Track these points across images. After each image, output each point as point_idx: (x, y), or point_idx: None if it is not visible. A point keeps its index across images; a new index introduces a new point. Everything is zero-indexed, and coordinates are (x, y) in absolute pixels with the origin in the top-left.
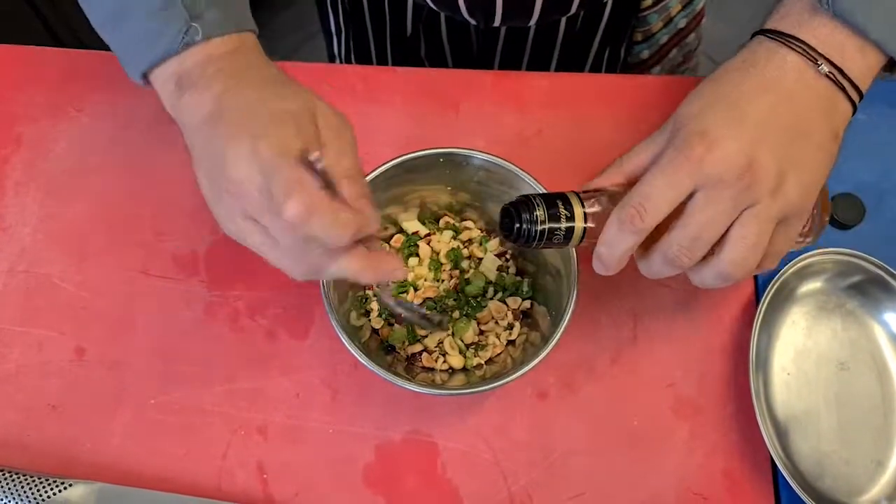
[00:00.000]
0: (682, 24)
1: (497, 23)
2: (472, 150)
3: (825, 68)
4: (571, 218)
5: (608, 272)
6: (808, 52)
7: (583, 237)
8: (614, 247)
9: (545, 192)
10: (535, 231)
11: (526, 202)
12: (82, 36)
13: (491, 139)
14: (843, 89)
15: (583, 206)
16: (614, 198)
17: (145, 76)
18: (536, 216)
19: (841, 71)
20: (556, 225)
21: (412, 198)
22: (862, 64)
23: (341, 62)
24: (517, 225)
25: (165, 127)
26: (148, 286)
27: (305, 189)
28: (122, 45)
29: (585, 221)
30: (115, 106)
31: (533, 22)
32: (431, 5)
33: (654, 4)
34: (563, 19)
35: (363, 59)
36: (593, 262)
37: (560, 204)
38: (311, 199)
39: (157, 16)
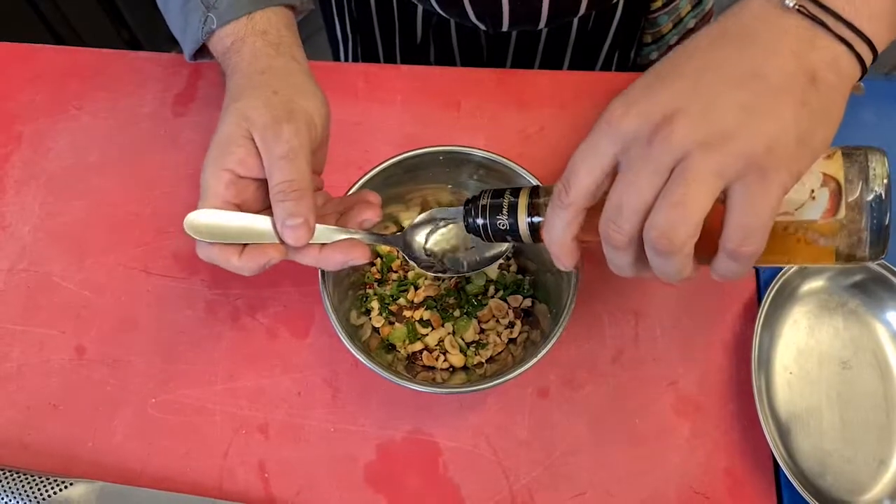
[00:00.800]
0: (691, 24)
1: (505, 27)
2: (473, 148)
3: (790, 2)
4: (514, 212)
5: (562, 264)
6: None
7: (535, 232)
8: (550, 229)
9: (528, 185)
10: (476, 224)
11: (478, 195)
12: (82, 34)
13: (492, 137)
14: (822, 24)
15: (533, 198)
16: None
17: (201, 51)
18: (481, 207)
19: (817, 2)
20: (495, 219)
21: (413, 196)
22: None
23: None
24: (465, 218)
25: (166, 125)
26: (149, 285)
27: (201, 243)
28: (175, 32)
29: (531, 215)
30: (115, 104)
31: (542, 26)
32: (440, 12)
33: (664, 6)
34: (575, 23)
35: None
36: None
37: (506, 197)
38: (205, 251)
39: (184, 7)
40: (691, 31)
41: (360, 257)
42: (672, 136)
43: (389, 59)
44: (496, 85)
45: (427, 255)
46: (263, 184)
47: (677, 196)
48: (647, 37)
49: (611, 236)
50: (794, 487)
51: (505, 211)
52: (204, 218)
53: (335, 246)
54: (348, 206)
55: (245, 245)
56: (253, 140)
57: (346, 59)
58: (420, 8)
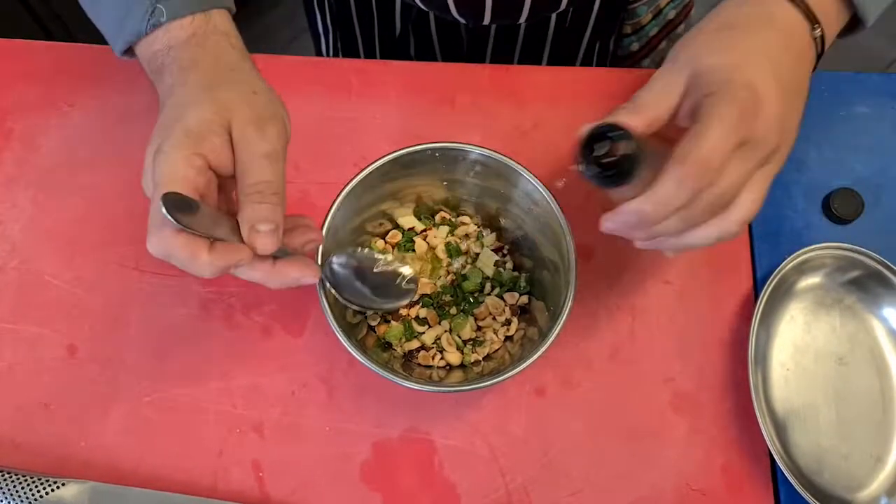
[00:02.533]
0: (671, 15)
1: (486, 21)
2: (468, 144)
3: (819, 32)
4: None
5: (643, 235)
6: (808, 13)
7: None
8: (668, 204)
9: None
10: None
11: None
12: (73, 30)
13: (487, 133)
14: (819, 55)
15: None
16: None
17: (131, 52)
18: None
19: (823, 35)
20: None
21: (408, 193)
22: (835, 25)
23: None
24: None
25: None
26: (141, 283)
27: (161, 231)
28: (103, 24)
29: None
30: (106, 101)
31: (523, 20)
32: (420, 5)
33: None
34: (553, 16)
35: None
36: (622, 218)
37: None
38: (166, 242)
39: None
40: (672, 21)
41: (313, 276)
42: (779, 150)
43: (369, 52)
44: (491, 81)
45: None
46: (223, 182)
47: (760, 197)
48: (627, 28)
49: (701, 218)
50: (791, 484)
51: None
52: (178, 201)
53: (290, 261)
54: (288, 228)
55: (213, 241)
56: (229, 133)
57: (328, 53)
58: (399, 1)
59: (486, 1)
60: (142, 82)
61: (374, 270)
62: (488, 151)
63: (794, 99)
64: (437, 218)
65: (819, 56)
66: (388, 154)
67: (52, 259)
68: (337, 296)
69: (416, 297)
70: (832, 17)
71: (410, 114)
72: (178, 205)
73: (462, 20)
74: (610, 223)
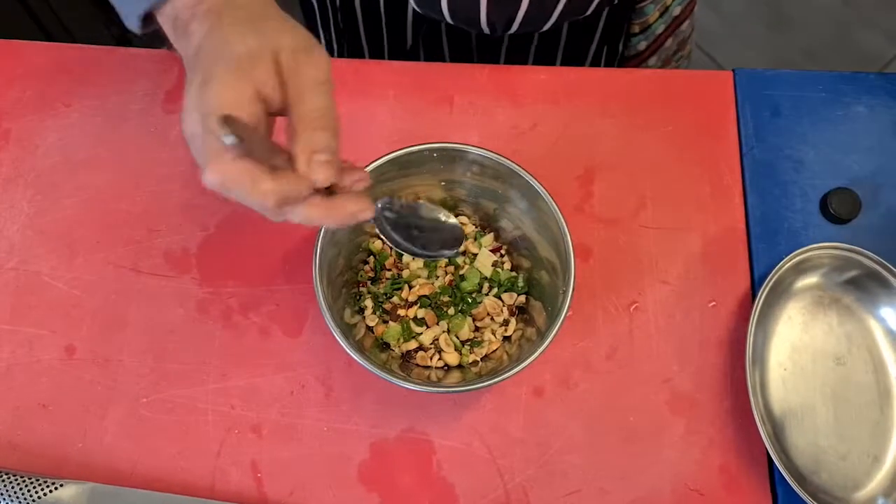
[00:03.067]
0: (676, 11)
1: (514, 30)
2: (466, 144)
3: None
4: None
5: None
6: None
7: None
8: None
9: None
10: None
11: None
12: (72, 31)
13: (485, 133)
14: None
15: None
16: None
17: (149, 20)
18: None
19: None
20: None
21: (406, 193)
22: None
23: None
24: None
25: (156, 121)
26: (139, 283)
27: (220, 159)
28: None
29: None
30: (104, 101)
31: (548, 27)
32: (448, 20)
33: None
34: (566, 22)
35: None
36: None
37: None
38: (225, 170)
39: None
40: (677, 18)
41: (370, 211)
42: None
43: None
44: (489, 81)
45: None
46: (269, 121)
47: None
48: (635, 27)
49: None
50: (789, 484)
51: None
52: (236, 126)
53: (348, 196)
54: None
55: (272, 169)
56: (276, 59)
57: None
58: (410, 13)
59: (517, 11)
60: (140, 82)
61: (421, 216)
62: (486, 152)
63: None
64: None
65: None
66: (385, 154)
67: (49, 260)
68: (385, 238)
69: (414, 298)
70: None
71: (408, 114)
72: (236, 129)
73: (487, 31)
74: None
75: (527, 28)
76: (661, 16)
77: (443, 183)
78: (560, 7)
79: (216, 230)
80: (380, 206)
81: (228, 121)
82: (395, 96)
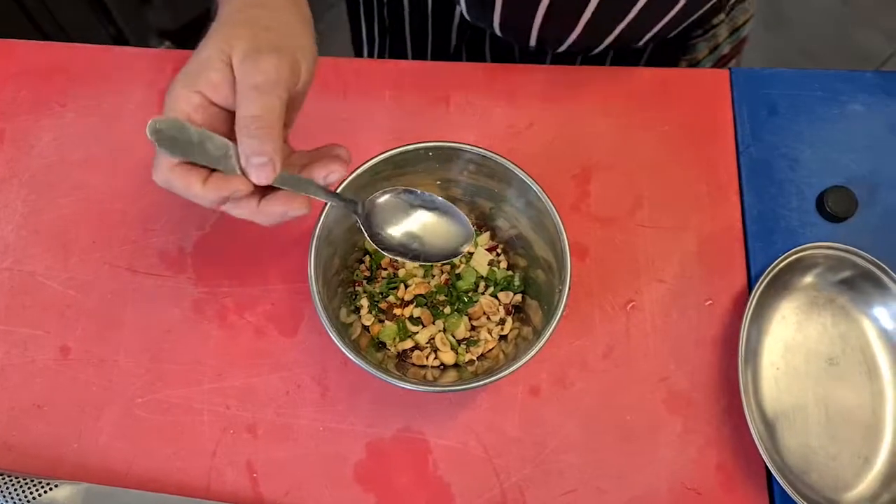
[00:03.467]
0: (725, 50)
1: (562, 49)
2: (461, 143)
3: None
4: None
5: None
6: None
7: None
8: None
9: None
10: None
11: None
12: (68, 30)
13: (482, 132)
14: None
15: None
16: None
17: None
18: None
19: None
20: None
21: None
22: None
23: None
24: None
25: None
26: (135, 283)
27: (160, 162)
28: None
29: None
30: (99, 101)
31: (597, 51)
32: (497, 32)
33: (703, 33)
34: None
35: None
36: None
37: None
38: (163, 173)
39: None
40: (725, 56)
41: (300, 207)
42: None
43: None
44: (485, 80)
45: (385, 234)
46: (232, 116)
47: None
48: (683, 63)
49: None
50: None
51: None
52: (168, 127)
53: (274, 198)
54: (314, 159)
55: (210, 172)
56: (231, 67)
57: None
58: (456, 18)
59: (570, 34)
60: (136, 82)
61: (421, 216)
62: (482, 150)
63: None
64: None
65: None
66: (381, 153)
67: (44, 259)
68: (367, 236)
69: (410, 297)
70: None
71: (405, 113)
72: (168, 134)
73: (535, 48)
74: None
75: (575, 49)
76: (710, 53)
77: (438, 182)
78: (613, 36)
79: (212, 230)
80: (378, 197)
81: (156, 129)
82: (392, 96)
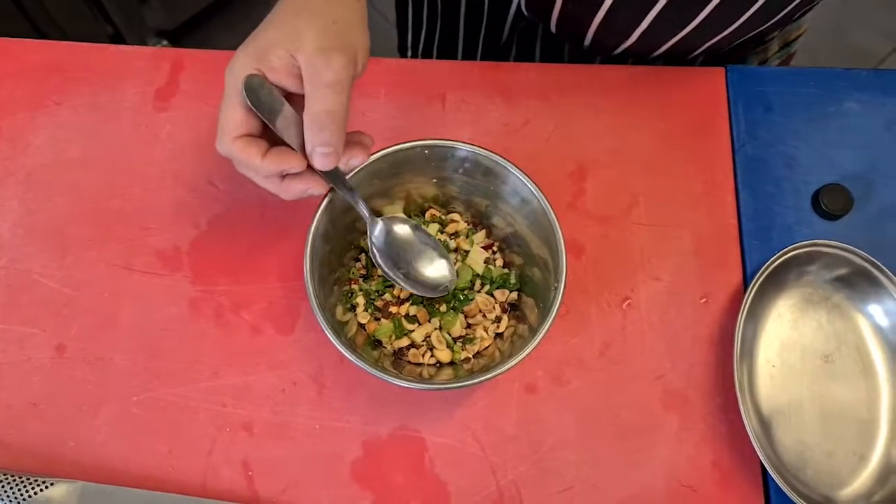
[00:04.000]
0: (774, 63)
1: (614, 54)
2: (456, 141)
3: None
4: None
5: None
6: None
7: None
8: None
9: None
10: None
11: None
12: (66, 29)
13: (478, 130)
14: None
15: None
16: None
17: None
18: None
19: None
20: None
21: (398, 191)
22: None
23: (415, 56)
24: None
25: (147, 119)
26: (131, 282)
27: (226, 134)
28: None
29: None
30: (96, 99)
31: (655, 55)
32: (553, 30)
33: (755, 46)
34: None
35: (447, 56)
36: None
37: None
38: (228, 145)
39: None
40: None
41: (318, 187)
42: None
43: (469, 53)
44: (481, 78)
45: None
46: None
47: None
48: None
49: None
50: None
51: None
52: (259, 85)
53: (298, 176)
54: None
55: (268, 148)
56: (293, 56)
57: (416, 48)
58: (512, 11)
59: (624, 41)
60: (131, 80)
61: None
62: (477, 148)
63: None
64: (427, 215)
65: None
66: (377, 151)
67: (40, 258)
68: (372, 256)
69: (406, 295)
70: None
71: (400, 111)
72: (257, 92)
73: (588, 49)
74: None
75: (629, 54)
76: (758, 65)
77: (434, 180)
78: (670, 44)
79: (208, 228)
80: (386, 224)
81: (251, 85)
82: (387, 94)
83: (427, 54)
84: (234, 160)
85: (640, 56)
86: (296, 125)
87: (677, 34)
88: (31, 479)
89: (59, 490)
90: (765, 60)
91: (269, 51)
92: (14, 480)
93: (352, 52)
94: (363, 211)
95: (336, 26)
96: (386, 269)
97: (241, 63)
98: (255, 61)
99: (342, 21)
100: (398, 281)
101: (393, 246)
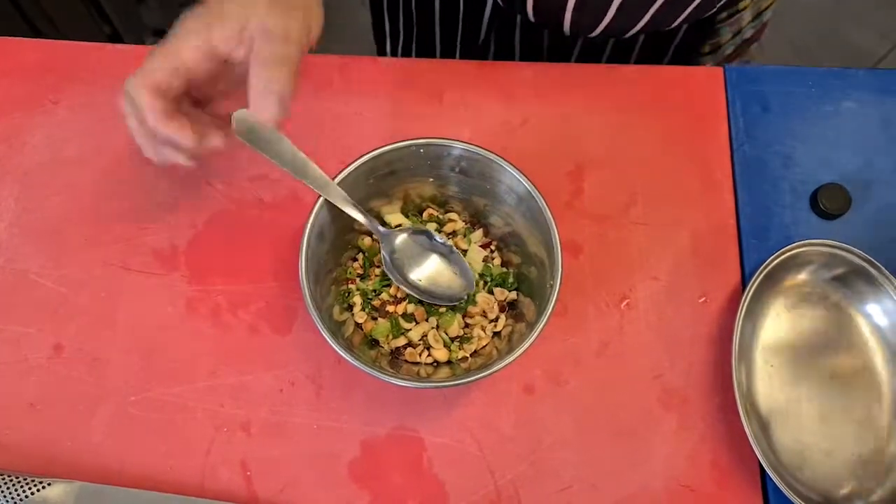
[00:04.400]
0: (748, 34)
1: (596, 34)
2: (453, 140)
3: None
4: None
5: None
6: None
7: None
8: None
9: None
10: None
11: None
12: (63, 29)
13: (476, 129)
14: None
15: None
16: None
17: None
18: None
19: None
20: None
21: (395, 191)
22: None
23: None
24: None
25: None
26: (128, 281)
27: (146, 79)
28: None
29: None
30: (92, 97)
31: (631, 34)
32: (531, 18)
33: (728, 17)
34: (642, 35)
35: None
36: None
37: None
38: (140, 90)
39: None
40: (747, 41)
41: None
42: None
43: (447, 56)
44: (479, 77)
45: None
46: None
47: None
48: (706, 47)
49: None
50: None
51: None
52: (247, 120)
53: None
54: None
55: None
56: (245, 28)
57: (396, 52)
58: (488, 7)
59: (602, 18)
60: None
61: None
62: (474, 147)
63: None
64: (425, 215)
65: None
66: (372, 150)
67: (37, 258)
68: (388, 271)
69: (403, 294)
70: None
71: (398, 110)
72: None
73: (570, 33)
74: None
75: (608, 34)
76: (732, 37)
77: (432, 179)
78: (647, 17)
79: (205, 227)
80: (402, 234)
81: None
82: (385, 93)
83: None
84: (134, 105)
85: (620, 35)
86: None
87: (653, 3)
88: (28, 480)
89: (56, 490)
90: (739, 31)
91: (220, 23)
92: (11, 481)
93: (304, 15)
94: (373, 227)
95: (285, 13)
96: (404, 287)
97: (190, 41)
98: (206, 32)
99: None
100: (413, 293)
101: (408, 257)
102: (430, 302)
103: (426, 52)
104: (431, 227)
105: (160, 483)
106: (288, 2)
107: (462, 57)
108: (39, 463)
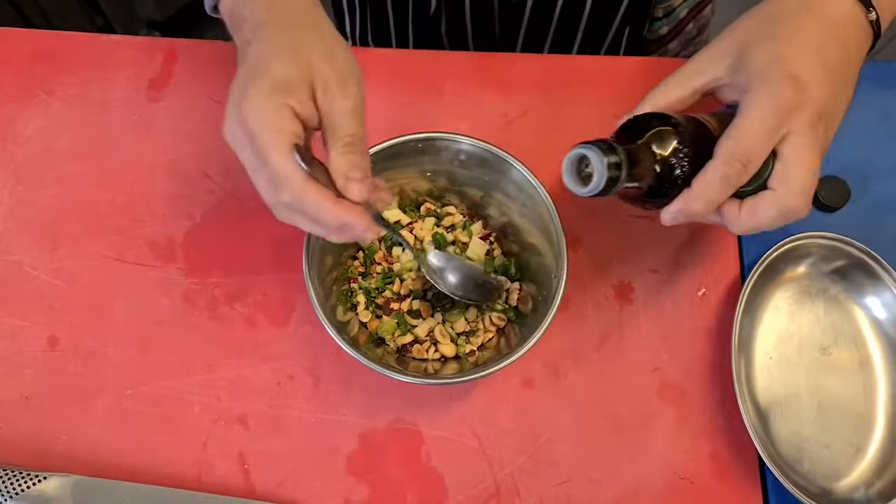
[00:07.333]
0: (682, 14)
1: None
2: (451, 133)
3: (874, 16)
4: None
5: (697, 219)
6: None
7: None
8: (716, 200)
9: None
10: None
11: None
12: (55, 21)
13: (475, 122)
14: (876, 37)
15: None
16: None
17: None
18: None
19: (878, 18)
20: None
21: (391, 186)
22: (888, 9)
23: (355, 43)
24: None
25: (139, 110)
26: (124, 274)
27: (293, 181)
28: None
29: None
30: (86, 89)
31: None
32: None
33: None
34: None
35: (381, 38)
36: (677, 212)
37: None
38: (300, 192)
39: None
40: (700, 3)
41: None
42: (827, 134)
43: (401, 30)
44: (478, 69)
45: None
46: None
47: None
48: (659, 11)
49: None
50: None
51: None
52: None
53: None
54: None
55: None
56: (311, 87)
57: (353, 32)
58: None
59: None
60: (123, 70)
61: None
62: (472, 140)
63: (841, 84)
64: (423, 209)
65: (876, 38)
66: (371, 147)
67: (32, 250)
68: (429, 277)
69: (406, 291)
70: (885, 1)
71: (397, 103)
72: (304, 156)
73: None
74: (668, 218)
75: None
76: (684, 0)
77: (427, 173)
78: None
79: (202, 219)
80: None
81: (299, 149)
82: (384, 86)
83: (363, 40)
84: (300, 211)
85: None
86: (324, 169)
87: None
88: (25, 473)
89: (52, 484)
90: (671, 11)
91: (290, 84)
92: (7, 474)
93: (357, 76)
94: (408, 248)
95: (336, 52)
96: (452, 294)
97: (271, 108)
98: (282, 96)
99: (338, 46)
100: (462, 298)
101: (442, 269)
102: (472, 303)
103: (380, 26)
104: (430, 222)
105: (157, 476)
106: (345, 61)
107: (415, 34)
108: (35, 457)
